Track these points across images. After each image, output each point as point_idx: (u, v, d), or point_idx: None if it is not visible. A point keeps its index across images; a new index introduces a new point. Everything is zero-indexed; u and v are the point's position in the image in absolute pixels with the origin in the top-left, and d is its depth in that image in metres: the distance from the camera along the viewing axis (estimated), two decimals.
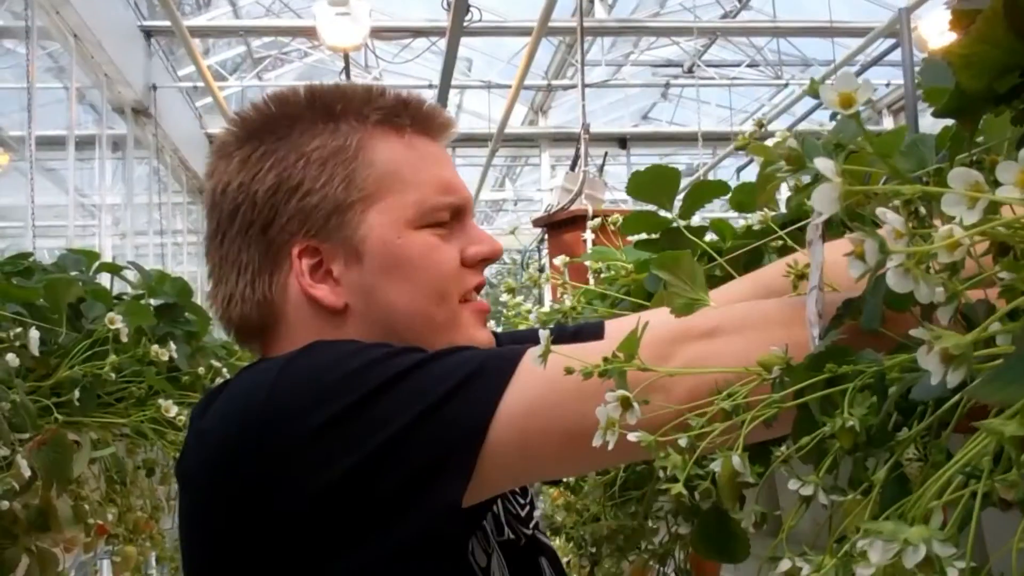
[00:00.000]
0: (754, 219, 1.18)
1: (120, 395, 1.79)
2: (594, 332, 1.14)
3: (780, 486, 1.01)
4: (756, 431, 0.64)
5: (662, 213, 1.30)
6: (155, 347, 1.71)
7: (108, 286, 2.10)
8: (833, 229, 1.03)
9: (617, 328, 1.14)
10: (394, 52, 8.47)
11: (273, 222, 0.97)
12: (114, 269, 2.17)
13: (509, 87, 7.63)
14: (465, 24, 5.94)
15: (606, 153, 4.90)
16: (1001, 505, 0.44)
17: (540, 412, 0.80)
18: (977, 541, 0.72)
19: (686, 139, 9.86)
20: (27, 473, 1.29)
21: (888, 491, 0.58)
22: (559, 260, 1.44)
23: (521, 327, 1.66)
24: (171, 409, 1.70)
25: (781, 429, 0.65)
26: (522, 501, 1.12)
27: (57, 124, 6.58)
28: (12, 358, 1.37)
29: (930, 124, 0.80)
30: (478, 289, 1.03)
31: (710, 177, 10.35)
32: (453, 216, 1.01)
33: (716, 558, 0.81)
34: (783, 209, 1.17)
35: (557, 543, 1.30)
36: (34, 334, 1.39)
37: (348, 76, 7.36)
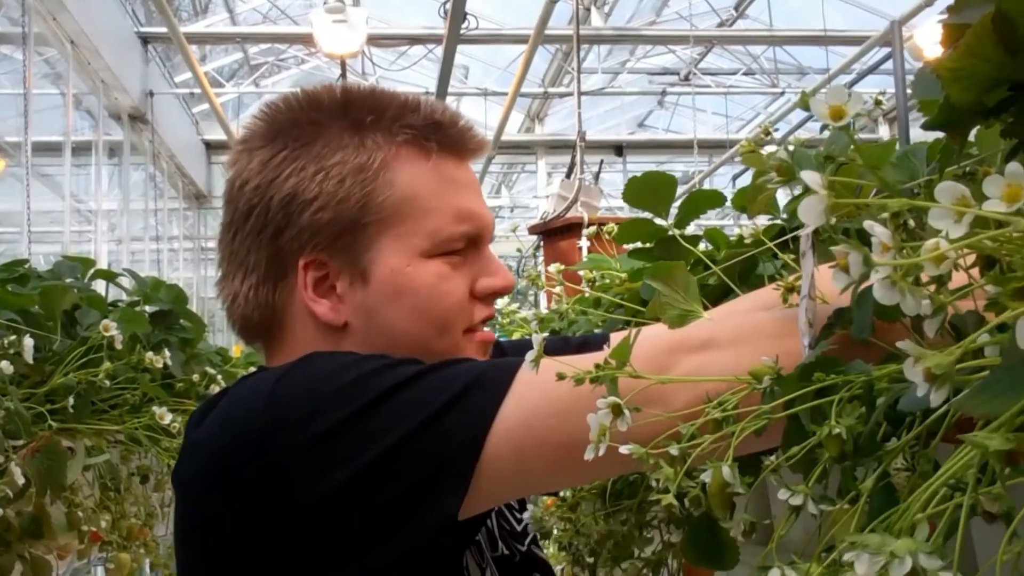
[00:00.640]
0: (747, 231, 1.18)
1: (114, 402, 1.79)
2: (599, 345, 1.13)
3: (772, 495, 1.01)
4: (748, 442, 0.64)
5: (658, 221, 1.29)
6: (150, 354, 1.71)
7: (103, 293, 2.10)
8: (829, 242, 1.03)
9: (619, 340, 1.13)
10: (391, 59, 8.49)
11: (284, 231, 0.96)
12: (109, 276, 2.17)
13: (506, 94, 7.66)
14: (462, 32, 5.95)
15: (601, 161, 4.90)
16: (985, 517, 0.45)
17: (536, 424, 0.80)
18: (967, 553, 0.73)
19: (682, 147, 9.88)
20: (21, 480, 1.29)
21: (876, 501, 0.58)
22: (553, 268, 1.44)
23: (516, 335, 1.66)
24: (165, 416, 1.70)
25: (772, 440, 0.66)
26: (518, 515, 1.11)
27: (54, 130, 6.60)
28: (6, 365, 1.37)
29: (922, 135, 0.81)
30: (485, 321, 1.01)
31: (706, 184, 10.37)
32: (468, 243, 0.99)
33: (706, 565, 0.81)
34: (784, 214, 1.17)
35: (549, 549, 1.30)
36: (28, 341, 1.39)
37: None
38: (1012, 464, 0.40)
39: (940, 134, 0.73)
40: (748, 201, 0.77)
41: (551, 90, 9.67)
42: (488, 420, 0.80)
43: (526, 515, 1.13)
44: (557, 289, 1.56)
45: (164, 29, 6.54)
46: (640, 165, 10.74)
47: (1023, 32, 0.53)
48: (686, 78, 9.41)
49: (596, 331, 1.42)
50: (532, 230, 3.98)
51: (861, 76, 7.86)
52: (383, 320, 0.96)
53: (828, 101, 0.59)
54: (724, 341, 0.80)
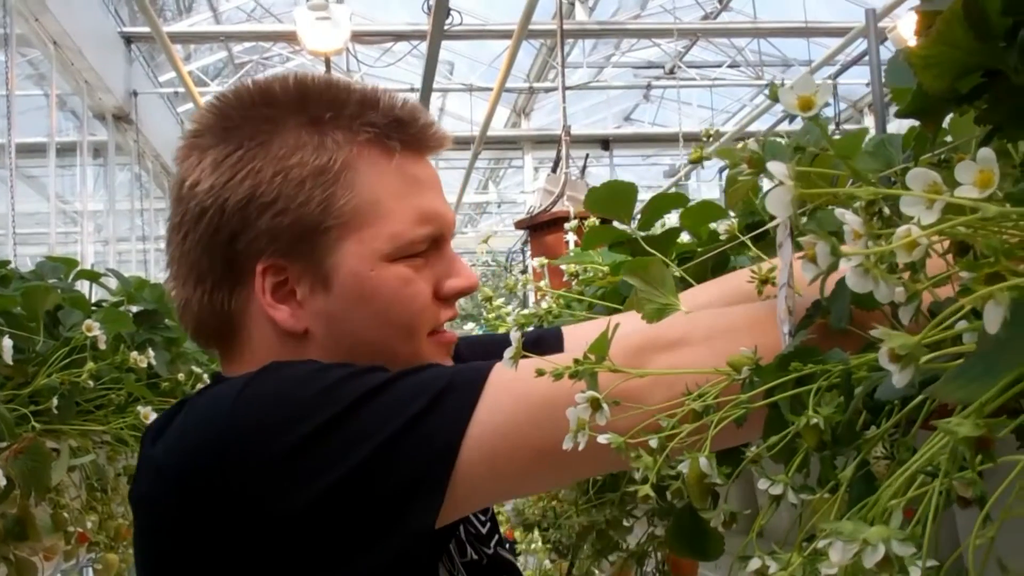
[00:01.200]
0: (721, 228, 1.18)
1: (99, 402, 1.78)
2: (554, 338, 1.12)
3: (757, 484, 1.01)
4: (728, 434, 0.64)
5: (620, 226, 1.31)
6: (134, 354, 1.70)
7: (87, 293, 2.09)
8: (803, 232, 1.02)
9: (576, 336, 1.12)
10: (375, 56, 8.48)
11: (240, 235, 0.92)
12: (93, 276, 2.17)
13: (491, 90, 7.64)
14: (446, 27, 5.94)
15: (587, 155, 4.91)
16: (960, 503, 0.45)
17: (510, 428, 0.79)
18: (950, 540, 0.73)
19: (668, 140, 9.88)
20: (3, 482, 1.29)
21: (855, 489, 0.58)
22: (537, 262, 1.44)
23: (502, 330, 1.66)
24: (151, 416, 1.69)
25: (753, 433, 0.66)
26: (483, 519, 1.10)
27: (38, 131, 6.57)
28: None
29: (900, 125, 0.81)
30: (449, 320, 0.99)
31: (692, 177, 10.38)
32: (431, 245, 0.96)
33: (690, 556, 0.81)
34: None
35: (536, 544, 1.30)
36: (7, 342, 1.38)
37: None
38: (982, 450, 0.40)
39: (915, 123, 0.73)
40: (726, 193, 0.78)
41: (536, 85, 9.67)
42: (462, 427, 0.79)
43: (508, 507, 1.12)
44: (543, 283, 1.56)
45: (147, 29, 6.50)
46: (626, 159, 10.77)
47: (994, 19, 0.53)
48: (671, 71, 9.42)
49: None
50: (519, 225, 3.98)
51: (845, 68, 7.87)
52: (346, 326, 0.93)
53: (796, 92, 0.59)
54: (697, 338, 0.79)
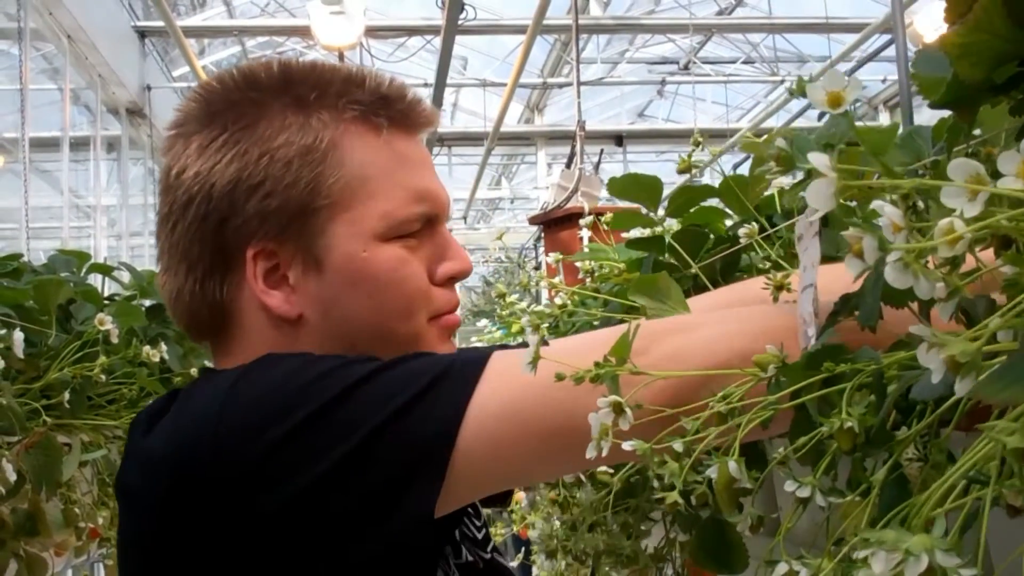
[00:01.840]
0: (742, 232, 1.16)
1: (112, 397, 1.77)
2: None
3: (778, 487, 1.00)
4: (752, 430, 0.63)
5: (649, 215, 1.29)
6: (146, 348, 1.69)
7: (100, 287, 2.08)
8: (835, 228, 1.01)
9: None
10: (389, 51, 8.46)
11: (229, 220, 0.90)
12: (105, 270, 2.16)
13: (505, 85, 7.62)
14: (460, 22, 5.92)
15: (601, 150, 4.88)
16: (1009, 511, 0.43)
17: (510, 413, 0.77)
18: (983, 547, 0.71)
19: (682, 136, 9.83)
20: (12, 477, 1.28)
21: (887, 493, 0.56)
22: (552, 257, 1.42)
23: (515, 327, 1.65)
24: None
25: (777, 428, 0.64)
26: (478, 524, 1.08)
27: (51, 125, 6.57)
28: None
29: (926, 119, 0.79)
30: (452, 308, 0.97)
31: (706, 175, 10.33)
32: (425, 224, 0.95)
33: (715, 569, 0.79)
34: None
35: (556, 566, 1.28)
36: (18, 335, 1.37)
37: None
38: None
39: (943, 115, 0.71)
40: (749, 189, 0.76)
41: (550, 80, 9.64)
42: (460, 411, 0.77)
43: (533, 533, 1.10)
44: (557, 279, 1.54)
45: (161, 23, 6.49)
46: (640, 155, 10.73)
47: None
48: (685, 67, 9.38)
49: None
50: (533, 220, 3.96)
51: (861, 64, 7.83)
52: (341, 310, 0.91)
53: (826, 87, 0.57)
54: (709, 323, 0.79)
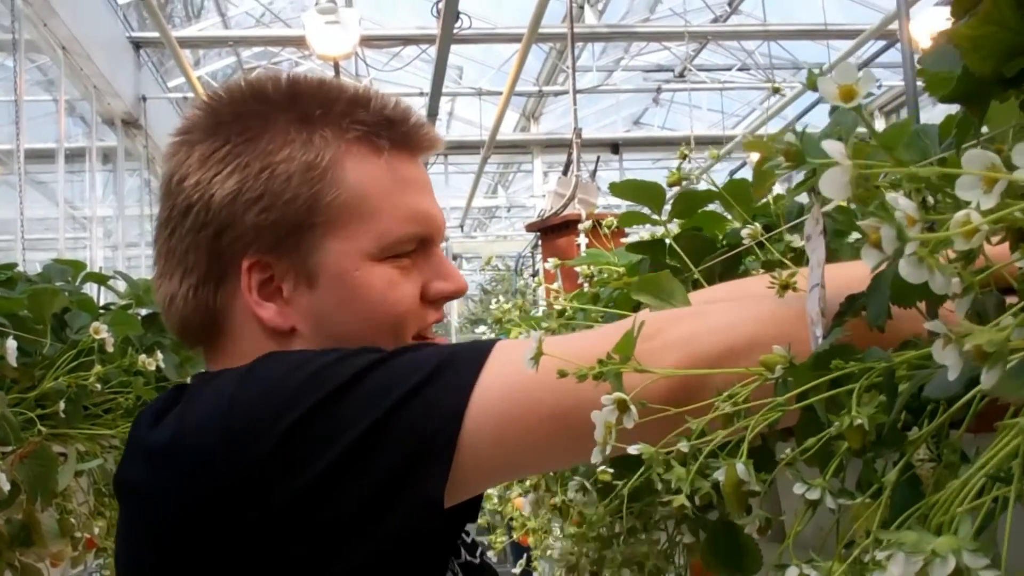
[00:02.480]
0: (745, 232, 1.16)
1: (107, 406, 1.76)
2: None
3: (782, 491, 0.98)
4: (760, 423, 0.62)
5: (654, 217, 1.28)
6: (142, 357, 1.68)
7: (96, 296, 2.07)
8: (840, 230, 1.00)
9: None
10: (384, 60, 8.47)
11: (226, 230, 0.91)
12: (100, 279, 2.14)
13: (500, 94, 7.62)
14: (455, 31, 5.93)
15: (598, 158, 4.88)
16: None
17: (516, 397, 0.77)
18: (995, 548, 0.70)
19: (678, 143, 9.81)
20: (6, 487, 1.26)
21: (899, 493, 0.55)
22: (550, 263, 1.41)
23: (513, 334, 1.63)
24: None
25: (785, 422, 0.63)
26: (468, 528, 1.09)
27: (47, 137, 6.57)
28: None
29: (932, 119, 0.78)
30: (434, 323, 0.98)
31: (702, 182, 10.32)
32: (419, 245, 0.96)
33: (726, 573, 0.78)
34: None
35: (548, 550, 1.27)
36: (11, 344, 1.36)
37: None
38: None
39: (951, 113, 0.70)
40: (754, 187, 0.74)
41: (546, 89, 9.64)
42: (465, 396, 0.77)
43: (557, 547, 1.09)
44: (555, 286, 1.53)
45: (156, 34, 6.50)
46: (636, 163, 10.73)
47: None
48: (681, 75, 9.39)
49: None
50: (530, 227, 3.95)
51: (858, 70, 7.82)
52: (333, 325, 0.92)
53: (837, 80, 0.55)
54: (719, 309, 0.79)
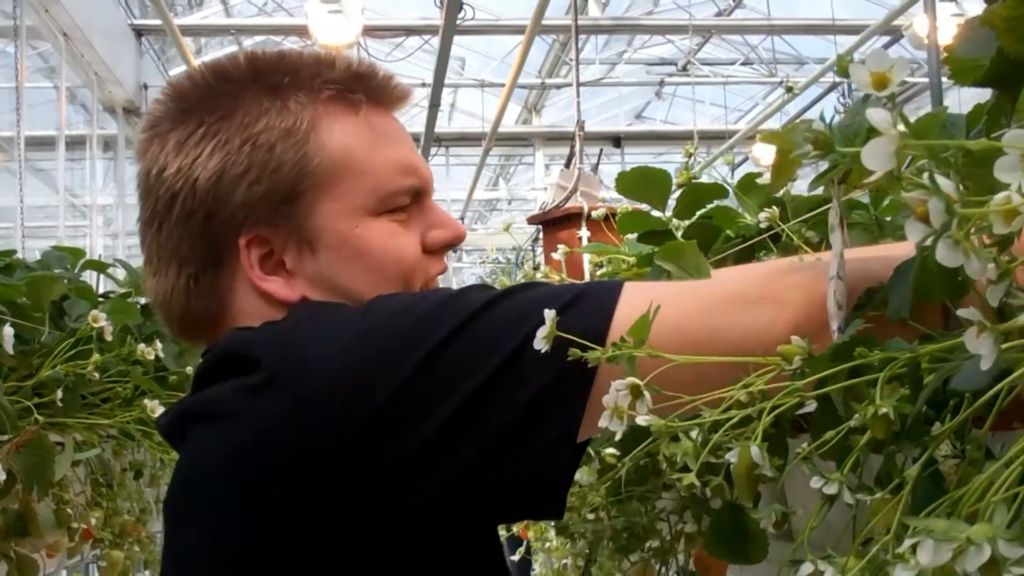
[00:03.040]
0: (762, 216, 1.14)
1: (106, 395, 1.74)
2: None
3: (790, 488, 0.97)
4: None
5: (655, 214, 1.27)
6: (141, 346, 1.66)
7: (95, 285, 2.05)
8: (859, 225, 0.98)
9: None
10: (387, 51, 8.43)
11: (217, 212, 0.88)
12: (99, 267, 2.13)
13: (503, 86, 7.60)
14: (458, 22, 5.90)
15: (601, 150, 4.86)
16: None
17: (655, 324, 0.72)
18: None
19: (680, 138, 9.82)
20: (2, 476, 1.24)
21: (921, 489, 0.53)
22: (558, 253, 1.39)
23: None
24: (158, 410, 1.65)
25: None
26: None
27: (47, 124, 6.56)
28: None
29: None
30: (440, 274, 0.97)
31: (704, 176, 10.31)
32: (413, 199, 0.94)
33: (730, 559, 0.76)
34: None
35: (547, 542, 1.26)
36: (7, 331, 1.34)
37: None
38: None
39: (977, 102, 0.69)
40: (773, 175, 0.73)
41: (548, 81, 9.62)
42: (606, 323, 0.74)
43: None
44: (558, 277, 1.51)
45: (158, 21, 6.48)
46: (638, 157, 10.71)
47: None
48: (684, 68, 9.36)
49: None
50: (532, 220, 3.93)
51: None
52: (342, 287, 0.90)
53: (869, 67, 0.53)
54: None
